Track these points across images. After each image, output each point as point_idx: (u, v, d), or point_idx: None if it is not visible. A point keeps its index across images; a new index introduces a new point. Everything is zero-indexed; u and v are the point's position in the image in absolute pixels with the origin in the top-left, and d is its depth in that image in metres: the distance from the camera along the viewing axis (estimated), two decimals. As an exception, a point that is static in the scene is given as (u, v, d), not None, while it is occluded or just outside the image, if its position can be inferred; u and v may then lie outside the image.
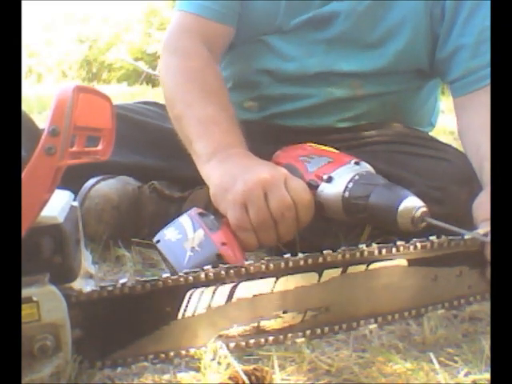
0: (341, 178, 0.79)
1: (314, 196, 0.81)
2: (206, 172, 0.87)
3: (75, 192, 0.85)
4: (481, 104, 0.95)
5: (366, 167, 0.82)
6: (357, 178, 0.78)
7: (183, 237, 0.79)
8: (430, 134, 1.20)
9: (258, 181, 0.78)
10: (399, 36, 1.03)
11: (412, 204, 0.73)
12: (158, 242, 0.82)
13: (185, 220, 0.82)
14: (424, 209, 0.73)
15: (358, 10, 1.02)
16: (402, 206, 0.73)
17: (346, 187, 0.78)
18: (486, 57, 0.96)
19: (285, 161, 0.88)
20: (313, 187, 0.81)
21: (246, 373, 0.60)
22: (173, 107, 0.98)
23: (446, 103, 2.19)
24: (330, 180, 0.80)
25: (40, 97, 3.85)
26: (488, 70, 0.95)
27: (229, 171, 0.82)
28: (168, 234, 0.82)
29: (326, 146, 0.90)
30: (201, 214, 0.82)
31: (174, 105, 0.98)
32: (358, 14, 1.03)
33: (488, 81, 0.95)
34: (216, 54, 1.05)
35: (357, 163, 0.82)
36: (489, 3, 0.94)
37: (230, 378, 0.60)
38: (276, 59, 1.09)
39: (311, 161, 0.85)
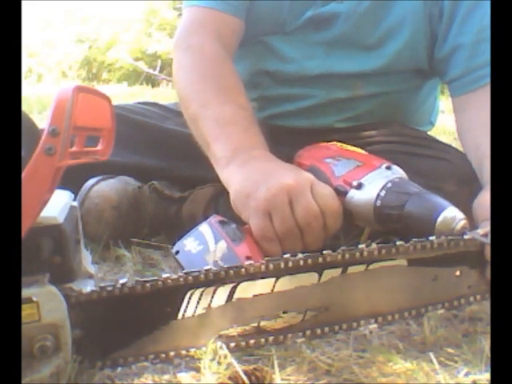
0: (372, 184, 0.75)
1: (342, 203, 0.76)
2: (226, 176, 0.83)
3: (75, 192, 0.85)
4: (480, 103, 0.95)
5: (398, 172, 0.78)
6: (389, 185, 0.74)
7: (204, 248, 0.75)
8: (430, 133, 1.21)
9: (283, 187, 0.74)
10: (399, 36, 1.03)
11: (451, 215, 0.70)
12: (178, 252, 0.78)
13: (205, 229, 0.78)
14: (464, 221, 0.70)
15: (358, 11, 1.02)
16: (440, 218, 0.70)
17: (378, 195, 0.74)
18: (484, 56, 0.96)
19: (309, 162, 0.84)
20: (341, 193, 0.76)
21: (246, 373, 0.60)
22: (187, 107, 0.94)
23: (446, 103, 2.19)
24: (360, 187, 0.75)
25: (40, 97, 3.85)
26: (486, 70, 0.95)
27: (250, 176, 0.78)
28: (188, 245, 0.77)
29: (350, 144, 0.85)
30: (221, 223, 0.78)
31: (188, 105, 0.94)
32: (358, 16, 1.03)
33: (487, 80, 0.95)
34: (229, 50, 1.02)
35: (388, 168, 0.78)
36: (487, 2, 0.94)
37: (229, 378, 0.60)
38: (276, 61, 1.08)
39: (338, 163, 0.80)
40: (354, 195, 0.76)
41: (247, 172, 0.79)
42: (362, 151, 0.84)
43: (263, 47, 1.09)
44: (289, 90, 1.09)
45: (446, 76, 1.03)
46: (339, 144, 0.87)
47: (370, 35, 1.04)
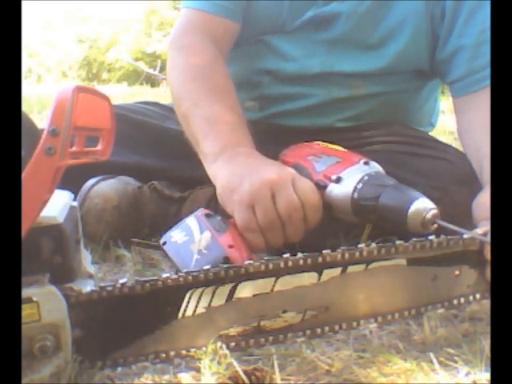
0: (350, 178, 0.78)
1: (322, 196, 0.80)
2: (213, 172, 0.86)
3: (75, 192, 0.85)
4: (481, 104, 0.95)
5: (375, 167, 0.81)
6: (366, 178, 0.77)
7: (190, 239, 0.78)
8: (430, 134, 1.20)
9: (265, 181, 0.77)
10: (400, 36, 1.03)
11: (422, 206, 0.72)
12: (165, 243, 0.81)
13: (191, 221, 0.81)
14: (434, 211, 0.72)
15: (359, 11, 1.02)
16: (412, 208, 0.72)
17: (355, 188, 0.77)
18: (485, 57, 0.96)
19: (293, 160, 0.87)
20: (321, 187, 0.80)
21: (246, 373, 0.60)
22: (179, 106, 0.97)
23: (446, 103, 2.19)
24: (338, 180, 0.79)
25: (40, 97, 3.85)
26: (488, 71, 0.95)
27: (235, 171, 0.82)
28: (175, 236, 0.81)
29: (333, 144, 0.89)
30: (207, 215, 0.81)
31: (180, 103, 0.97)
32: (359, 15, 1.03)
33: (488, 81, 0.95)
34: (223, 50, 1.04)
35: (366, 163, 0.81)
36: (489, 4, 0.94)
37: (229, 378, 0.60)
38: (277, 59, 1.08)
39: (319, 160, 0.83)
40: (333, 189, 0.79)
41: (233, 167, 0.83)
42: (343, 149, 0.87)
43: (263, 46, 1.09)
44: (289, 89, 1.10)
45: (448, 77, 1.03)
46: (322, 143, 0.90)
47: (371, 35, 1.04)
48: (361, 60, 1.05)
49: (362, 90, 1.08)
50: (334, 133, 1.06)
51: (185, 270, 0.64)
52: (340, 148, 0.87)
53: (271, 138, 1.04)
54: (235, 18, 1.06)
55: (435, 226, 0.72)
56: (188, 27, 1.06)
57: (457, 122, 1.02)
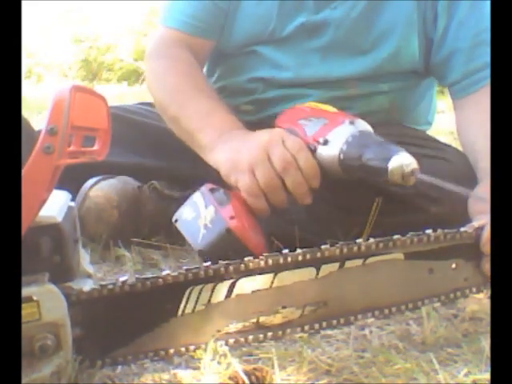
0: (336, 140, 0.81)
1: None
2: (214, 158, 0.90)
3: (74, 192, 0.85)
4: (478, 103, 0.96)
5: (360, 125, 0.83)
6: (350, 139, 0.80)
7: (197, 214, 0.83)
8: (430, 133, 1.20)
9: (260, 145, 0.83)
10: (391, 39, 1.03)
11: (402, 161, 0.75)
12: (176, 221, 0.85)
13: (197, 197, 0.85)
14: (414, 165, 0.74)
15: (351, 16, 1.03)
16: (391, 163, 0.74)
17: (341, 149, 0.80)
18: (482, 59, 0.97)
19: (286, 125, 0.91)
20: (312, 151, 0.83)
21: (246, 373, 0.60)
22: (166, 109, 1.00)
23: (446, 103, 2.19)
24: (326, 143, 0.82)
25: (40, 97, 3.85)
26: (484, 72, 0.96)
27: (233, 147, 0.87)
28: (184, 213, 0.85)
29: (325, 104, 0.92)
30: (212, 190, 0.84)
31: (167, 107, 1.00)
32: (351, 21, 1.03)
33: (485, 82, 0.96)
34: (200, 63, 1.09)
35: (351, 122, 0.83)
36: (482, 6, 0.95)
37: (229, 378, 0.60)
38: (271, 69, 1.09)
39: (309, 124, 0.87)
40: (322, 151, 0.83)
41: (230, 145, 0.88)
42: (332, 109, 0.90)
43: (256, 57, 1.09)
44: (284, 92, 1.10)
45: (445, 80, 1.04)
46: (313, 104, 0.93)
47: (363, 39, 1.04)
48: (354, 64, 1.06)
49: (356, 90, 1.08)
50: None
51: (184, 268, 0.64)
52: (329, 108, 0.90)
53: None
54: (209, 36, 1.09)
55: (414, 179, 0.74)
56: (166, 42, 1.10)
57: (456, 119, 1.03)
